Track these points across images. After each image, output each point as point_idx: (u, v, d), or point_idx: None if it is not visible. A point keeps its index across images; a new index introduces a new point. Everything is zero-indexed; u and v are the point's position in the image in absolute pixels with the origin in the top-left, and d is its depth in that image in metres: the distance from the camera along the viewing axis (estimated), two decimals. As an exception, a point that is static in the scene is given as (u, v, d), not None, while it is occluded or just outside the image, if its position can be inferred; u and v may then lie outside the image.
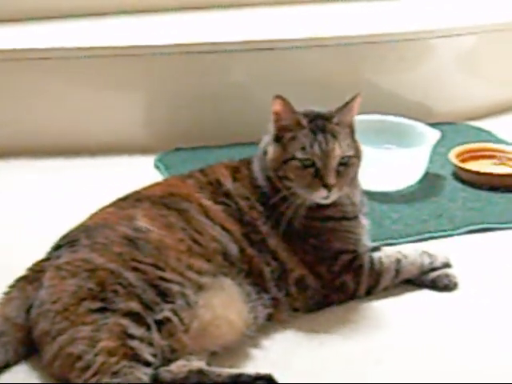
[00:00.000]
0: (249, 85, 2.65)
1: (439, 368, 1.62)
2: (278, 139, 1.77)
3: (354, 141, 1.79)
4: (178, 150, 2.59)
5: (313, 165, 1.72)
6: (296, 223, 1.76)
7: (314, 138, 1.72)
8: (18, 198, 2.29)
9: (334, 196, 1.73)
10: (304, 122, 1.75)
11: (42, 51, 2.57)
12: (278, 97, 1.74)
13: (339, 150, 1.73)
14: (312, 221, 1.77)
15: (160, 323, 1.54)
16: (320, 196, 1.72)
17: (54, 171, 2.46)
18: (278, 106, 1.75)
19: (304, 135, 1.74)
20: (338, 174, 1.73)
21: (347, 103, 1.78)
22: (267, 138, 1.82)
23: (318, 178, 1.71)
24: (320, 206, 1.76)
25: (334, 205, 1.77)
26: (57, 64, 2.57)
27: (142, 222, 1.66)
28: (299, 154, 1.72)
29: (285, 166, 1.74)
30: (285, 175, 1.74)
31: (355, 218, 1.84)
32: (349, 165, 1.76)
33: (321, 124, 1.75)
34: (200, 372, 1.52)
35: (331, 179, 1.71)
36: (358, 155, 1.79)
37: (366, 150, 1.83)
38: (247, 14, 2.97)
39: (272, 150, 1.78)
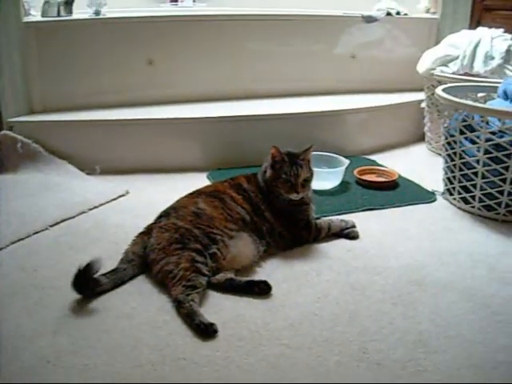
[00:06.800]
0: (254, 139, 2.53)
1: (358, 279, 1.61)
2: (272, 167, 1.74)
3: (310, 168, 1.76)
4: (218, 169, 2.49)
5: (290, 181, 1.71)
6: (279, 206, 1.74)
7: (291, 167, 1.70)
8: (136, 198, 2.17)
9: (300, 196, 1.73)
10: (286, 159, 1.72)
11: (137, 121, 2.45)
12: (274, 146, 1.71)
13: (303, 174, 1.72)
14: (288, 206, 1.75)
15: (211, 255, 1.55)
16: (293, 196, 1.72)
17: (155, 181, 2.34)
18: (274, 151, 1.72)
19: (286, 166, 1.71)
20: (303, 186, 1.72)
21: (307, 149, 1.74)
22: (266, 164, 1.78)
23: (293, 188, 1.71)
24: (292, 199, 1.74)
25: (299, 199, 1.75)
26: (159, 127, 2.46)
27: (202, 205, 1.66)
28: (283, 176, 1.71)
29: (276, 181, 1.72)
30: (276, 185, 1.72)
31: (309, 204, 1.82)
32: (308, 180, 1.75)
33: (294, 160, 1.72)
34: (231, 279, 1.53)
35: (299, 189, 1.71)
36: (311, 175, 1.77)
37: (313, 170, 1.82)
38: (250, 102, 2.79)
39: (269, 172, 1.74)
